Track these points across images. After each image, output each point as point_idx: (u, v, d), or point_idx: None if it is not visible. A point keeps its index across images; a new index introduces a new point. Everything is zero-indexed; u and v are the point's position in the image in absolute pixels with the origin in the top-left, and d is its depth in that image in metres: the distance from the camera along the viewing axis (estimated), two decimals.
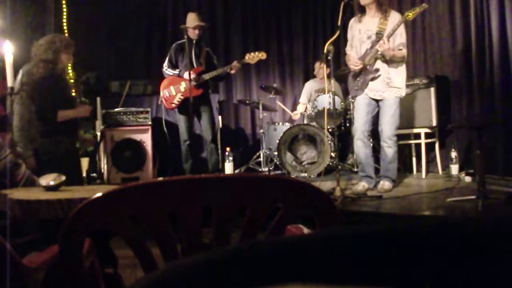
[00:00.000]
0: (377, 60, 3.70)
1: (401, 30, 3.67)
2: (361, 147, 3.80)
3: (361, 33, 3.78)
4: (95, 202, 0.96)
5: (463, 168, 4.64)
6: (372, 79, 3.72)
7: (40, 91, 3.36)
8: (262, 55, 4.85)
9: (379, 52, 3.63)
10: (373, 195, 3.53)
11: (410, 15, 3.55)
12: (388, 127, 3.72)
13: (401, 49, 3.66)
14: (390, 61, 3.68)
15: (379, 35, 3.63)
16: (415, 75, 5.17)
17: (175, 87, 4.82)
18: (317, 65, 5.89)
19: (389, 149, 3.74)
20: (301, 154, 5.17)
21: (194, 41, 4.77)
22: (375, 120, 3.91)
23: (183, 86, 4.78)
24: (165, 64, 4.94)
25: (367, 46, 3.74)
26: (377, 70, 3.70)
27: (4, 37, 3.47)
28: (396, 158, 3.81)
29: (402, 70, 3.74)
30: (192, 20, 4.79)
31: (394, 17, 3.67)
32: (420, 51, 5.43)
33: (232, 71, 4.81)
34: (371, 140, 4.08)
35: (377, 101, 3.78)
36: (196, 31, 4.77)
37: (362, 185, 3.81)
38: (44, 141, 3.39)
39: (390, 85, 3.69)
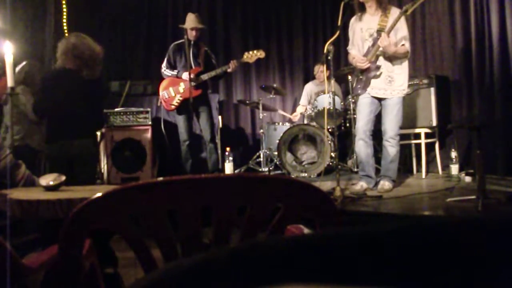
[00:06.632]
0: (379, 57, 3.68)
1: (402, 23, 3.62)
2: (362, 146, 3.79)
3: (362, 31, 3.75)
4: (95, 202, 0.96)
5: (463, 168, 4.63)
6: (374, 76, 3.69)
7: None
8: (260, 54, 4.82)
9: (380, 49, 3.61)
10: (373, 195, 3.53)
11: (409, 9, 3.52)
12: (391, 126, 3.70)
13: (403, 44, 3.63)
14: (392, 58, 3.66)
15: (380, 32, 3.60)
16: (415, 75, 5.16)
17: (174, 88, 4.81)
18: (316, 68, 5.87)
19: (392, 148, 3.72)
20: (301, 154, 5.16)
21: (192, 42, 4.76)
22: (377, 120, 3.90)
23: (182, 87, 4.77)
24: (164, 65, 4.93)
25: (369, 44, 3.71)
26: (378, 67, 3.67)
27: (4, 37, 3.47)
28: (398, 157, 3.80)
29: (404, 66, 3.70)
30: (190, 21, 4.78)
31: (395, 12, 3.64)
32: (420, 51, 5.42)
33: (230, 70, 4.79)
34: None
35: (379, 100, 3.77)
36: (194, 33, 4.76)
37: (360, 185, 3.80)
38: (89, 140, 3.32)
39: (392, 83, 3.67)
